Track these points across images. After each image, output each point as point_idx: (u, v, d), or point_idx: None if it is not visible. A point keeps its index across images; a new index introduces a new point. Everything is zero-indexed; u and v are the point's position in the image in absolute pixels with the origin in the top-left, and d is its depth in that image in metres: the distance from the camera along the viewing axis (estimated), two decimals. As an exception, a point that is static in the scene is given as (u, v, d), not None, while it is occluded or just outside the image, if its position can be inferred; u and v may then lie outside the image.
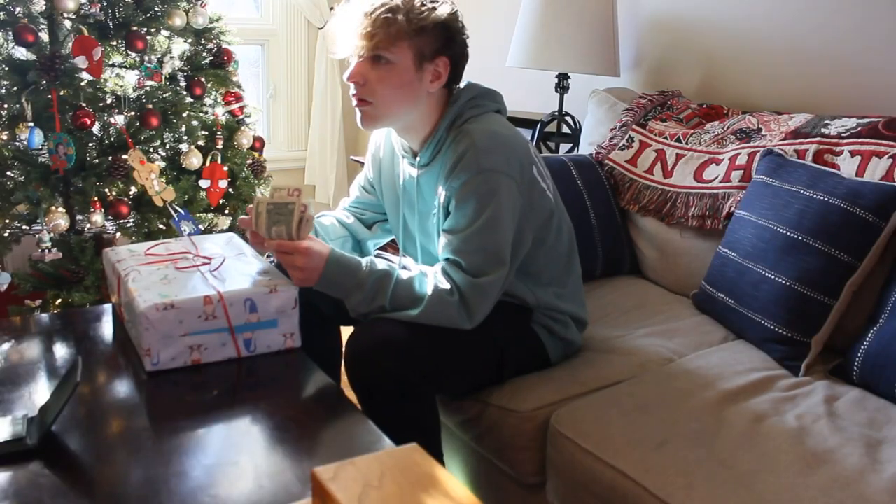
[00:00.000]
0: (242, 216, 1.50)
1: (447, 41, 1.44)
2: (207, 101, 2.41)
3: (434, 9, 1.42)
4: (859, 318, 1.58)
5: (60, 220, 2.08)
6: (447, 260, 1.43)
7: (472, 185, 1.40)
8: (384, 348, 1.35)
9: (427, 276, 1.44)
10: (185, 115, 2.30)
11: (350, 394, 1.35)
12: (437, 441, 1.48)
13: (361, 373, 1.36)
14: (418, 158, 1.53)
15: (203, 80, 2.36)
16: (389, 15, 1.38)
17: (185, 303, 1.26)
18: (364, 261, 1.44)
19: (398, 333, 1.37)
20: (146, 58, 2.30)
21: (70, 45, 2.10)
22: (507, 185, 1.41)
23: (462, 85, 1.51)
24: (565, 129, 2.67)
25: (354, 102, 1.47)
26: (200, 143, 2.37)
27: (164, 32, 2.32)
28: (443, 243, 1.45)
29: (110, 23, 2.20)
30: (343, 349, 1.74)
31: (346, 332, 1.76)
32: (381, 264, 1.44)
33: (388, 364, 1.34)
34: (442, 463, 1.51)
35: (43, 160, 2.11)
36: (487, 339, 1.49)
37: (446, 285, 1.40)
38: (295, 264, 1.37)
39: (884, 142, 1.68)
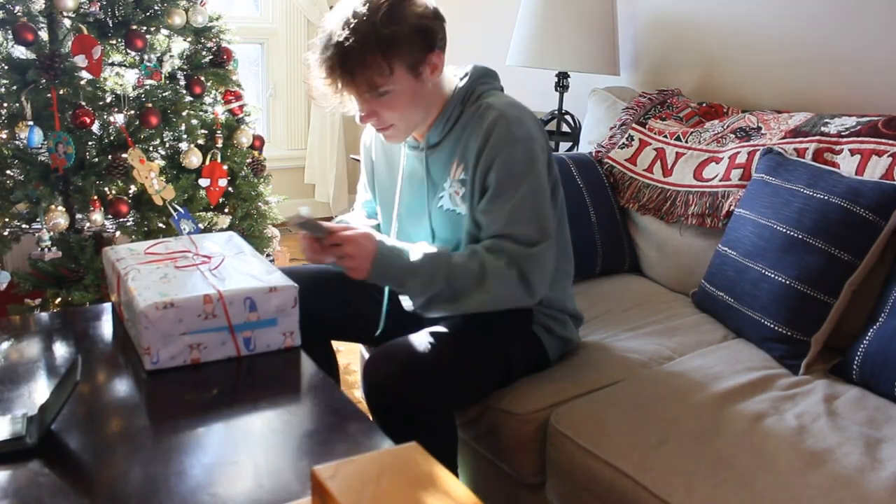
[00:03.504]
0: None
1: (428, 39, 1.38)
2: (207, 99, 2.41)
3: (394, 20, 1.33)
4: (859, 316, 1.58)
5: (60, 218, 2.08)
6: (496, 236, 1.40)
7: (511, 155, 1.38)
8: (402, 376, 1.34)
9: (478, 253, 1.39)
10: (184, 113, 2.30)
11: (349, 393, 1.35)
12: (453, 455, 1.48)
13: (382, 401, 1.35)
14: (424, 140, 1.50)
15: (203, 78, 2.36)
16: (360, 56, 1.32)
17: (184, 301, 1.26)
18: (414, 245, 1.42)
19: (414, 359, 1.37)
20: (146, 56, 2.30)
21: (69, 43, 2.10)
22: (540, 152, 1.42)
23: (468, 68, 1.51)
24: (565, 128, 2.67)
25: (377, 131, 1.47)
26: (200, 141, 2.37)
27: (164, 31, 2.32)
28: (487, 220, 1.42)
29: (110, 21, 2.20)
30: (337, 363, 1.76)
31: (337, 345, 1.77)
32: (431, 247, 1.42)
33: (408, 391, 1.34)
34: (456, 475, 1.51)
35: (42, 159, 2.11)
36: (495, 347, 1.50)
37: (501, 261, 1.37)
38: (345, 252, 1.35)
39: (883, 140, 1.68)
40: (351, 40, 1.31)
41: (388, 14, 1.32)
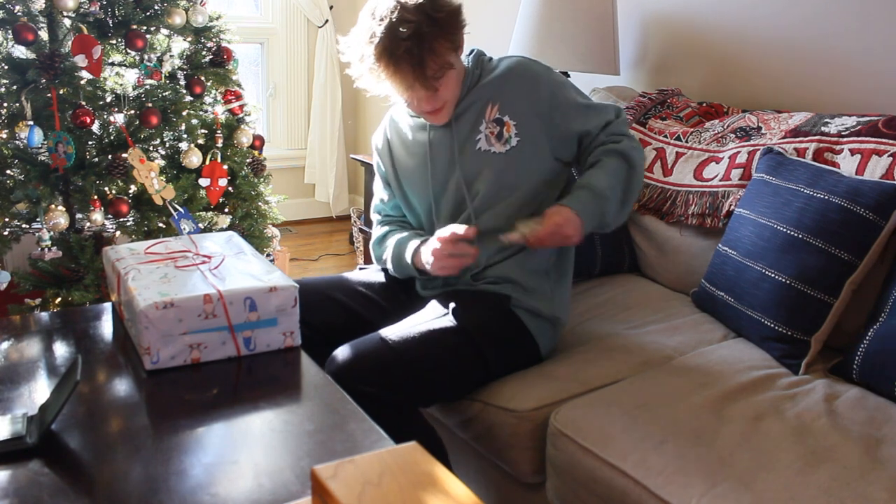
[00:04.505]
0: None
1: (460, 18, 1.54)
2: (207, 99, 2.41)
3: (441, 5, 1.49)
4: (859, 316, 1.58)
5: (60, 218, 2.08)
6: (603, 127, 1.59)
7: (556, 77, 1.61)
8: (357, 369, 1.39)
9: (609, 149, 1.55)
10: (184, 113, 2.31)
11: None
12: (439, 456, 1.48)
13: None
14: None
15: (203, 78, 2.36)
16: (429, 44, 1.45)
17: (184, 301, 1.26)
18: (582, 186, 1.52)
19: (372, 354, 1.41)
20: (146, 56, 2.30)
21: (70, 43, 2.10)
22: None
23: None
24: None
25: (425, 115, 1.59)
26: (200, 141, 2.37)
27: (164, 31, 2.33)
28: (589, 124, 1.59)
29: (110, 21, 2.20)
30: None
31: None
32: (588, 175, 1.53)
33: (362, 385, 1.37)
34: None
35: (43, 159, 2.11)
36: (463, 339, 1.51)
37: (622, 139, 1.57)
38: (565, 233, 1.47)
39: (884, 140, 1.68)
40: (415, 30, 1.44)
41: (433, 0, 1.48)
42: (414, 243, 1.62)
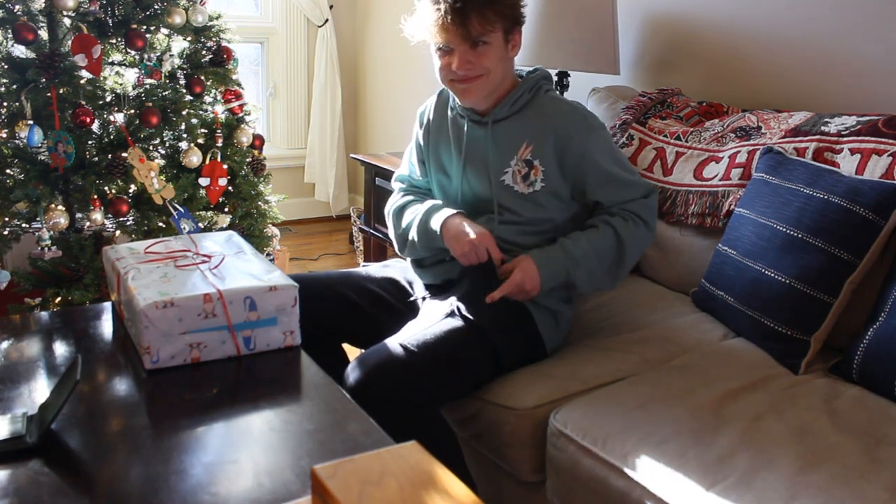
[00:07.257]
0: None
1: (519, 12, 1.58)
2: (207, 99, 2.41)
3: None
4: (859, 316, 1.58)
5: (60, 218, 2.08)
6: (618, 203, 1.62)
7: (596, 138, 1.62)
8: (381, 377, 1.39)
9: (609, 223, 1.60)
10: (184, 113, 2.30)
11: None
12: (455, 455, 1.48)
13: (364, 404, 1.37)
14: (491, 114, 1.64)
15: (203, 77, 2.36)
16: (476, 6, 1.48)
17: (184, 301, 1.26)
18: (559, 244, 1.59)
19: (393, 359, 1.41)
20: (146, 56, 2.30)
21: (69, 42, 2.10)
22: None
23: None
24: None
25: (455, 84, 1.59)
26: (200, 141, 2.37)
27: (164, 30, 2.33)
28: (609, 194, 1.62)
29: (110, 20, 2.20)
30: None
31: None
32: (571, 236, 1.60)
33: (388, 392, 1.37)
34: (473, 484, 1.51)
35: (42, 158, 2.11)
36: (480, 338, 1.51)
37: (627, 219, 1.61)
38: (516, 279, 1.54)
39: (883, 140, 1.68)
40: None
41: None
42: (445, 212, 1.64)
